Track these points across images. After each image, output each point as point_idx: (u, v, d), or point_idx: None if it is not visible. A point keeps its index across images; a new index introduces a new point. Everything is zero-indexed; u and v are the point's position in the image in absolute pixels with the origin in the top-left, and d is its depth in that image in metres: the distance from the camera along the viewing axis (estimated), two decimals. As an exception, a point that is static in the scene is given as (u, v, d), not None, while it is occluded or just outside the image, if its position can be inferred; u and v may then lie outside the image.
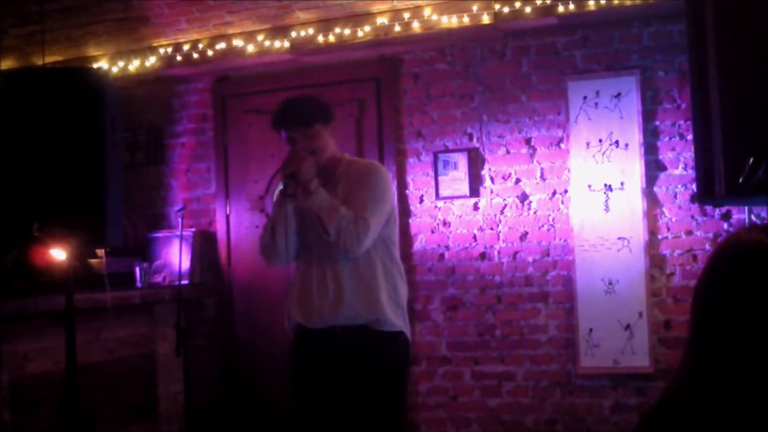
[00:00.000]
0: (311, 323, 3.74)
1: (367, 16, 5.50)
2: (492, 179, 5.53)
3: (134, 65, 6.09)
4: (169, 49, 6.00)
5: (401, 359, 3.79)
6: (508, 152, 5.51)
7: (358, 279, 3.68)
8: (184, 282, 5.72)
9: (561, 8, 5.07)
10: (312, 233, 3.72)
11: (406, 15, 5.40)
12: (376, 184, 3.74)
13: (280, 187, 3.80)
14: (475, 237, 5.56)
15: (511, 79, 5.53)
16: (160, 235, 6.13)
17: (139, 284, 5.76)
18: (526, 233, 5.46)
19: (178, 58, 5.98)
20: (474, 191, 5.55)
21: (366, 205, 3.64)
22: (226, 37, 5.84)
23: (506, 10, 5.17)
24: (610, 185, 5.23)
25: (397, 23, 5.42)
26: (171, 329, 5.06)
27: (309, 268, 3.77)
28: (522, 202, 5.47)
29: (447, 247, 5.60)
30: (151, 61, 6.05)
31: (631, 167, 5.19)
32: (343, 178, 3.77)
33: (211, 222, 6.28)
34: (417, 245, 5.68)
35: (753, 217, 4.74)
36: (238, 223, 6.22)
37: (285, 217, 3.70)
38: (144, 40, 6.03)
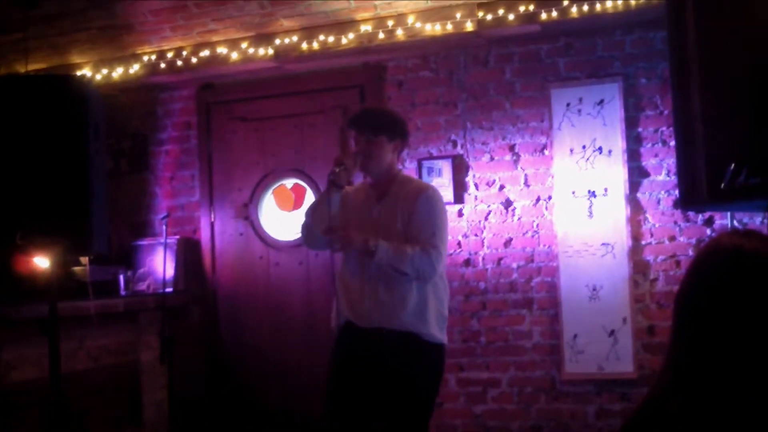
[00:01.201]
0: (361, 322, 3.98)
1: (350, 24, 5.51)
2: (476, 186, 5.54)
3: (118, 73, 6.07)
4: (153, 57, 6.00)
5: (439, 368, 4.04)
6: (492, 159, 5.53)
7: (410, 294, 3.91)
8: (169, 290, 5.71)
9: (544, 16, 5.10)
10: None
11: (390, 22, 5.41)
12: (441, 212, 4.02)
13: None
14: (459, 243, 5.57)
15: (494, 87, 5.55)
16: (144, 242, 6.11)
17: (123, 292, 5.74)
18: (511, 239, 5.47)
19: (162, 65, 5.97)
20: (458, 198, 5.56)
21: (435, 232, 3.92)
22: (210, 45, 5.84)
23: (489, 17, 5.19)
24: (593, 191, 5.25)
25: (380, 31, 5.43)
26: (155, 337, 5.05)
27: (361, 272, 4.00)
28: (506, 208, 5.48)
29: (432, 254, 5.60)
30: (135, 68, 6.04)
31: (615, 174, 5.21)
32: (395, 193, 4.03)
33: (196, 229, 6.27)
34: (402, 252, 5.67)
35: (735, 223, 4.77)
36: (222, 231, 6.21)
37: (328, 203, 3.93)
38: (128, 47, 6.02)
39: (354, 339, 4.01)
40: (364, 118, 4.08)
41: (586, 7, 5.01)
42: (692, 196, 3.03)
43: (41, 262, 3.85)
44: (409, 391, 3.92)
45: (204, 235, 6.24)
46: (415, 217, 3.93)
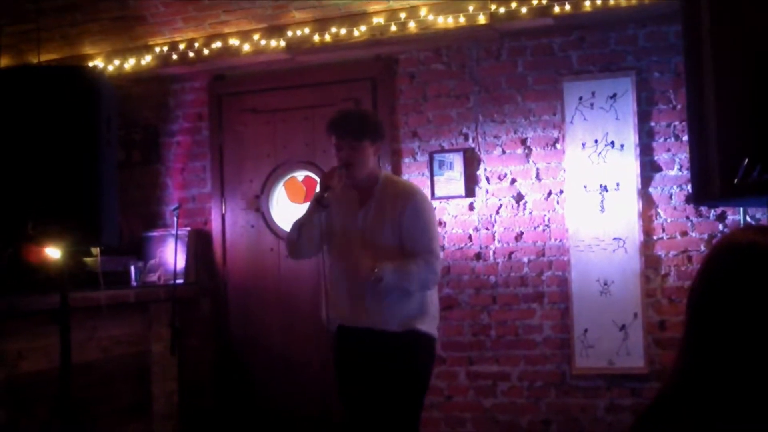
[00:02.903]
0: (351, 323, 4.13)
1: (363, 16, 5.49)
2: (487, 179, 5.53)
3: (130, 64, 6.08)
4: (165, 48, 6.00)
5: (431, 359, 4.20)
6: (503, 152, 5.51)
7: (398, 296, 4.01)
8: (179, 281, 5.71)
9: (557, 9, 5.08)
10: (357, 248, 4.05)
11: (402, 15, 5.40)
12: (432, 217, 4.17)
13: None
14: (470, 237, 5.56)
15: (506, 80, 5.53)
16: (155, 234, 6.12)
17: (134, 283, 5.75)
18: (522, 233, 5.46)
19: (174, 57, 5.97)
20: (469, 191, 5.55)
21: (432, 239, 4.07)
22: (222, 36, 5.84)
23: (502, 10, 5.18)
24: (605, 186, 5.23)
25: (393, 23, 5.42)
26: (166, 328, 5.06)
27: (346, 283, 4.12)
28: (517, 202, 5.47)
29: (442, 247, 5.60)
30: (147, 59, 6.04)
31: (627, 168, 5.19)
32: (380, 197, 4.09)
33: (207, 221, 6.28)
34: (412, 245, 5.67)
35: (748, 218, 4.74)
36: (233, 223, 6.21)
37: (315, 224, 4.07)
38: (140, 38, 6.02)
39: (348, 338, 4.16)
40: (346, 122, 4.06)
41: (599, 1, 4.99)
42: (705, 191, 3.02)
43: (52, 252, 3.85)
44: (403, 383, 4.04)
45: (215, 226, 6.24)
46: (407, 227, 4.02)
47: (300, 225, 4.14)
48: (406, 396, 4.07)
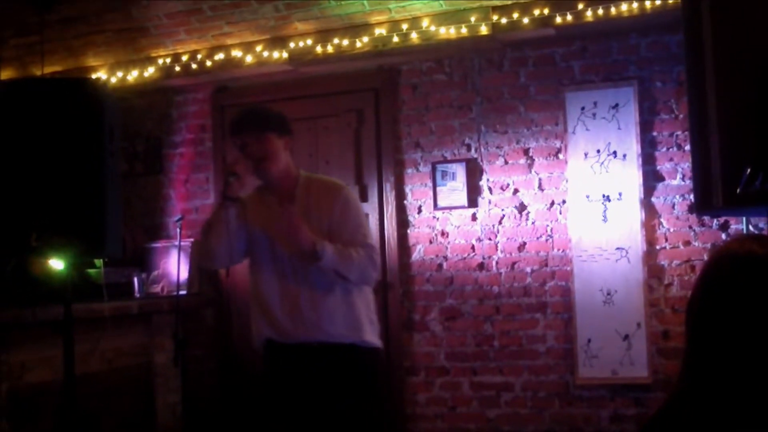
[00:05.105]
0: (284, 339, 3.70)
1: (365, 27, 5.51)
2: (490, 190, 5.53)
3: (133, 76, 6.09)
4: (168, 60, 6.01)
5: (376, 373, 3.76)
6: (506, 163, 5.52)
7: (334, 300, 3.65)
8: (183, 292, 5.70)
9: (559, 19, 5.09)
10: (284, 250, 3.68)
11: (405, 26, 5.41)
12: (358, 208, 3.81)
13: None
14: (473, 247, 5.56)
15: (509, 90, 5.54)
16: (158, 245, 6.12)
17: (137, 294, 5.75)
18: (525, 244, 5.46)
19: (177, 68, 5.99)
20: (472, 202, 5.56)
21: (363, 231, 3.71)
22: (225, 48, 5.85)
23: (504, 21, 5.19)
24: (608, 196, 5.23)
25: (395, 34, 5.43)
26: (169, 339, 5.05)
27: (279, 286, 3.72)
28: (520, 212, 5.47)
29: (445, 258, 5.60)
30: (150, 71, 6.06)
31: (629, 178, 5.19)
32: (302, 195, 3.72)
33: (210, 232, 6.27)
34: (415, 256, 5.68)
35: (751, 228, 4.74)
36: (236, 234, 6.20)
37: (225, 220, 3.62)
38: (143, 50, 6.04)
39: (279, 358, 3.75)
40: (246, 117, 3.72)
41: (600, 11, 5.00)
42: (707, 200, 3.02)
43: (56, 264, 3.86)
44: (351, 404, 3.65)
45: (218, 237, 6.23)
46: (339, 224, 3.65)
47: (209, 225, 3.71)
48: (358, 420, 3.66)
